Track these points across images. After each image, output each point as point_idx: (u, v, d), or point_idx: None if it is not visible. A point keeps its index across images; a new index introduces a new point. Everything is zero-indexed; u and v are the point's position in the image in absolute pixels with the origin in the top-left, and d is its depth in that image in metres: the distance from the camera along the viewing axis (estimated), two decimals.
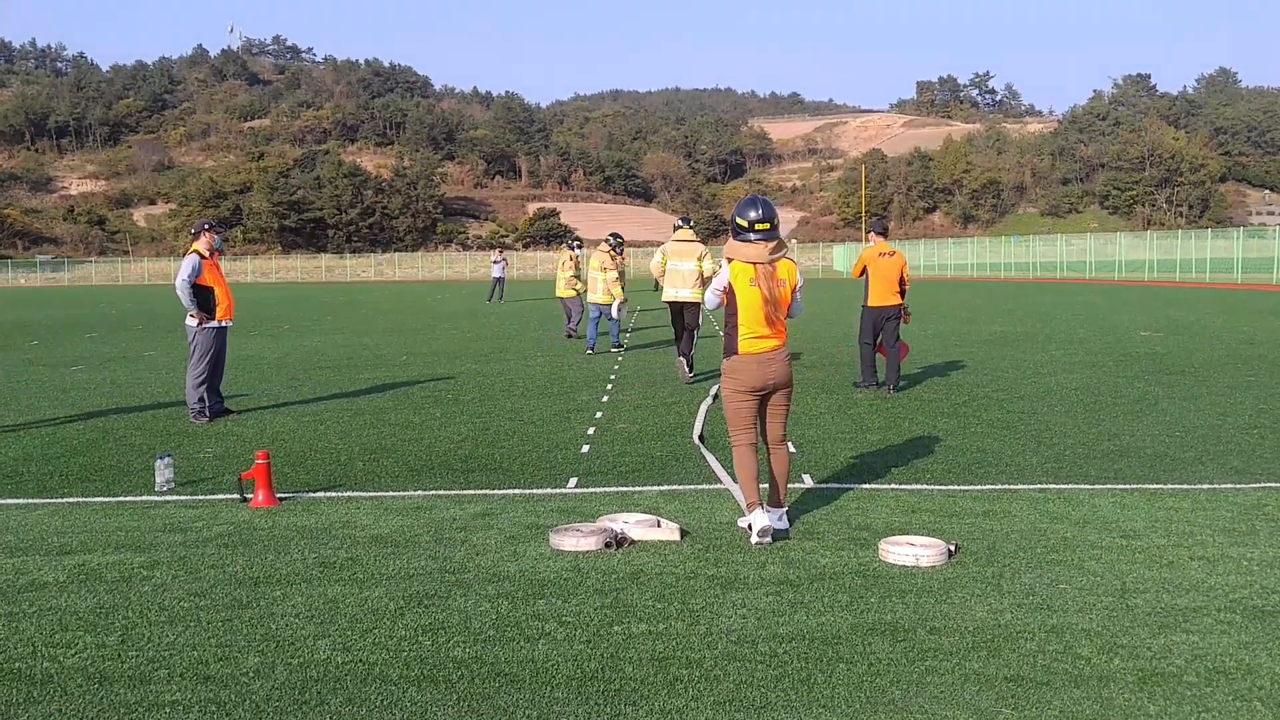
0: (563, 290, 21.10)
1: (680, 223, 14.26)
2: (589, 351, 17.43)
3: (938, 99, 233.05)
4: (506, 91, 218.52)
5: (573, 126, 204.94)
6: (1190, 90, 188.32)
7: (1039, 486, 7.54)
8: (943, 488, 7.54)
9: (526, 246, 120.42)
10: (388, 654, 4.58)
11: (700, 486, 7.64)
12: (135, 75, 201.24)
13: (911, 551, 5.79)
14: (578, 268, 21.42)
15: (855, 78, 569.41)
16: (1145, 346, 17.22)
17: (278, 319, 29.15)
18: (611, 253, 17.48)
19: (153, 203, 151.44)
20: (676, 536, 6.24)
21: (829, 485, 7.65)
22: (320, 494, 7.63)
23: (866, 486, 7.60)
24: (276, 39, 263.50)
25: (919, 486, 7.58)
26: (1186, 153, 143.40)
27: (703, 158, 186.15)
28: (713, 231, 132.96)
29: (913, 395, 12.05)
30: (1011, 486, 7.56)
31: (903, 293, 12.52)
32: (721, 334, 6.61)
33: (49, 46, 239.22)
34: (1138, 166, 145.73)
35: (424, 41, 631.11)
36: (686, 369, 13.73)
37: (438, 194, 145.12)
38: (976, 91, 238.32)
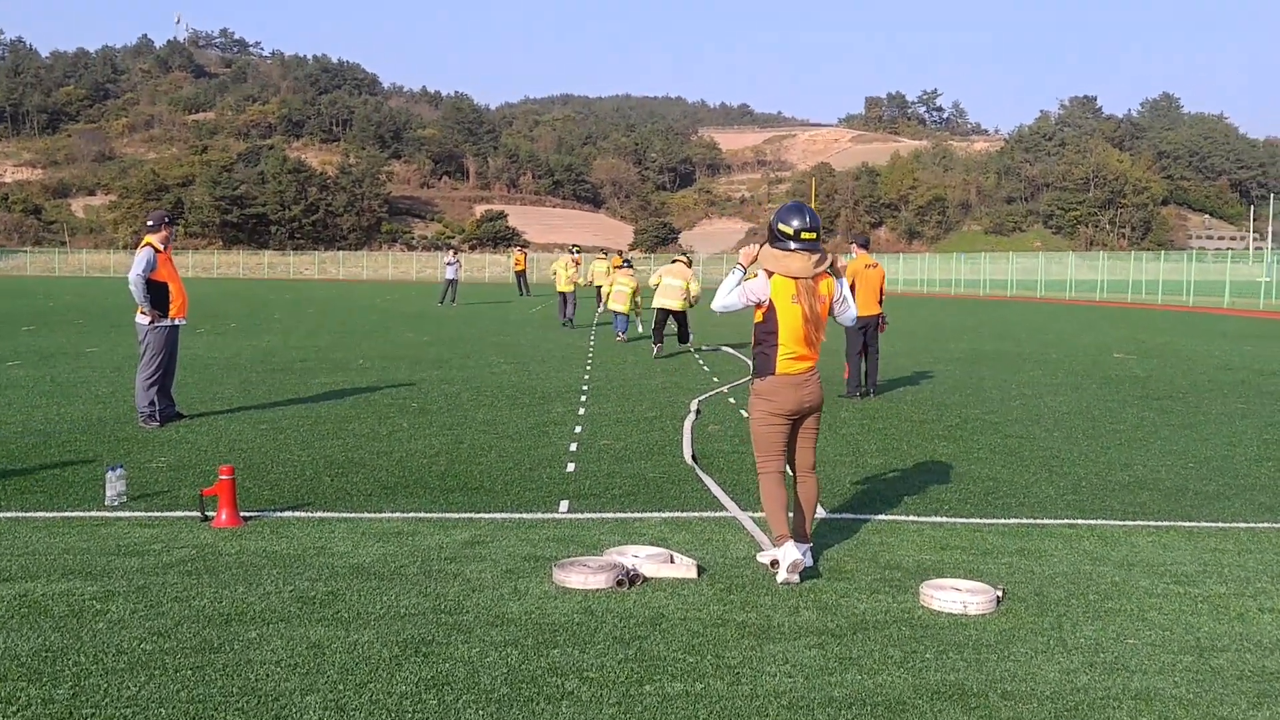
0: (564, 285, 26.32)
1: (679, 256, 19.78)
2: (619, 338, 21.02)
3: (885, 115, 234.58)
4: (455, 91, 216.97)
5: (522, 129, 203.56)
6: (1134, 114, 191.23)
7: (1067, 521, 7.05)
8: (965, 521, 7.03)
9: (474, 248, 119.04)
10: (388, 715, 3.94)
11: (706, 514, 7.05)
12: (76, 63, 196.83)
13: (958, 598, 5.25)
14: (578, 268, 27.40)
15: (804, 91, 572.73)
16: (1122, 369, 16.92)
17: (224, 316, 28.14)
18: (631, 272, 21.66)
19: (92, 193, 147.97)
20: (693, 574, 5.65)
21: (842, 515, 7.10)
22: (288, 513, 6.94)
23: (883, 518, 7.06)
24: (224, 32, 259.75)
25: (939, 519, 7.05)
26: (1130, 175, 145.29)
27: (652, 165, 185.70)
28: (662, 239, 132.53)
29: (902, 415, 11.57)
30: (1038, 521, 7.06)
31: (880, 301, 13.21)
32: (751, 352, 5.99)
33: None
34: (1082, 187, 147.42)
35: (373, 39, 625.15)
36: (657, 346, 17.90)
37: (383, 193, 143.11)
38: (924, 109, 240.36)
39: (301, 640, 4.65)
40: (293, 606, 5.09)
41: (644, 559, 5.71)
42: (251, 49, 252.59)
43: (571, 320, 25.87)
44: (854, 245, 13.70)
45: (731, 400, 12.50)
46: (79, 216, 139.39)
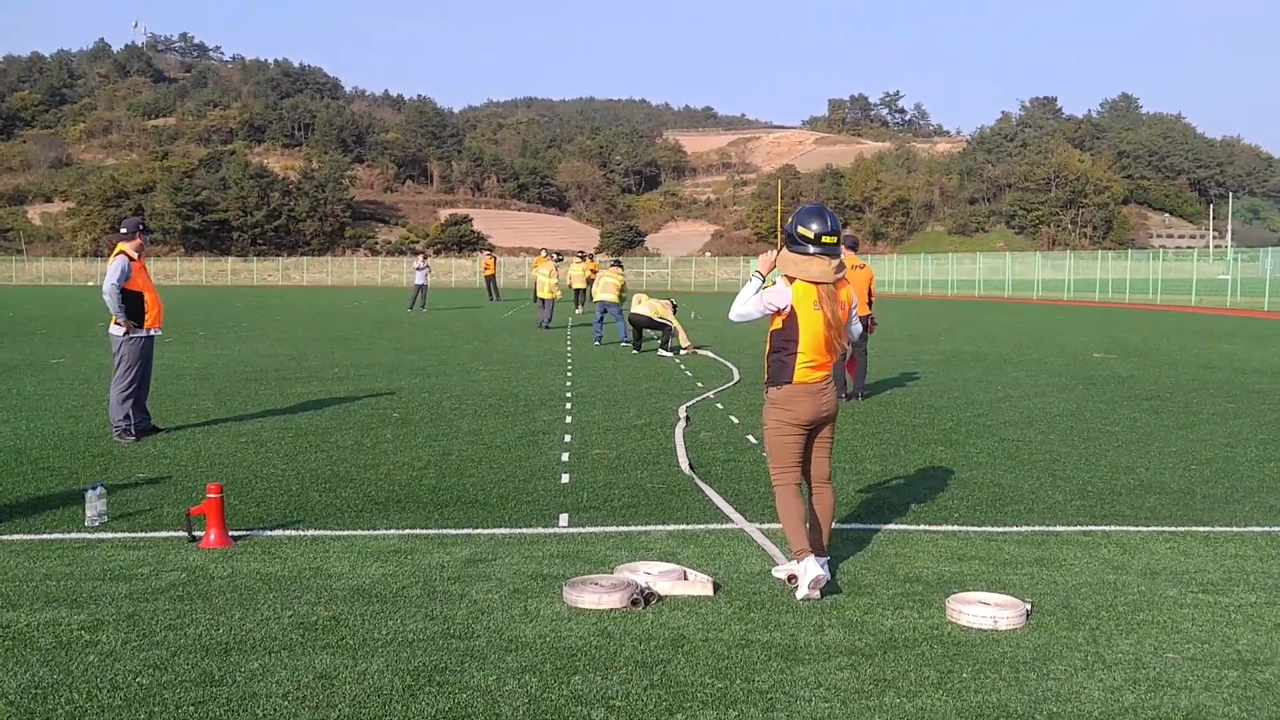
0: (547, 293, 26.76)
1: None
2: (596, 344, 21.22)
3: (849, 117, 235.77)
4: (418, 95, 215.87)
5: (486, 132, 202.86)
6: (1094, 114, 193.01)
7: (1081, 528, 6.89)
8: (978, 529, 6.85)
9: (438, 253, 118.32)
10: None
11: (713, 526, 6.84)
12: (31, 67, 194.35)
13: (988, 613, 5.06)
14: (556, 274, 27.74)
15: (768, 94, 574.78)
16: (1105, 369, 16.86)
17: (191, 325, 27.67)
18: (620, 270, 22.80)
19: (49, 200, 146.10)
20: (709, 591, 5.43)
21: (851, 525, 6.90)
22: (278, 532, 6.67)
23: (894, 527, 6.87)
24: (183, 36, 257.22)
25: (951, 528, 6.88)
26: (1091, 175, 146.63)
27: (618, 168, 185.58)
28: (628, 242, 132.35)
29: (894, 419, 11.41)
30: (1052, 528, 6.90)
31: (870, 303, 13.00)
32: (765, 357, 5.76)
33: None
34: (1044, 187, 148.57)
35: (334, 43, 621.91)
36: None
37: (346, 197, 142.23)
38: (887, 111, 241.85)
39: (307, 670, 4.40)
40: (294, 634, 4.83)
41: (657, 576, 5.49)
42: (211, 53, 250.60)
43: (549, 324, 26.45)
44: (841, 247, 13.49)
45: (719, 406, 12.31)
46: (36, 224, 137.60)
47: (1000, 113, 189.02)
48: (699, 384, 14.43)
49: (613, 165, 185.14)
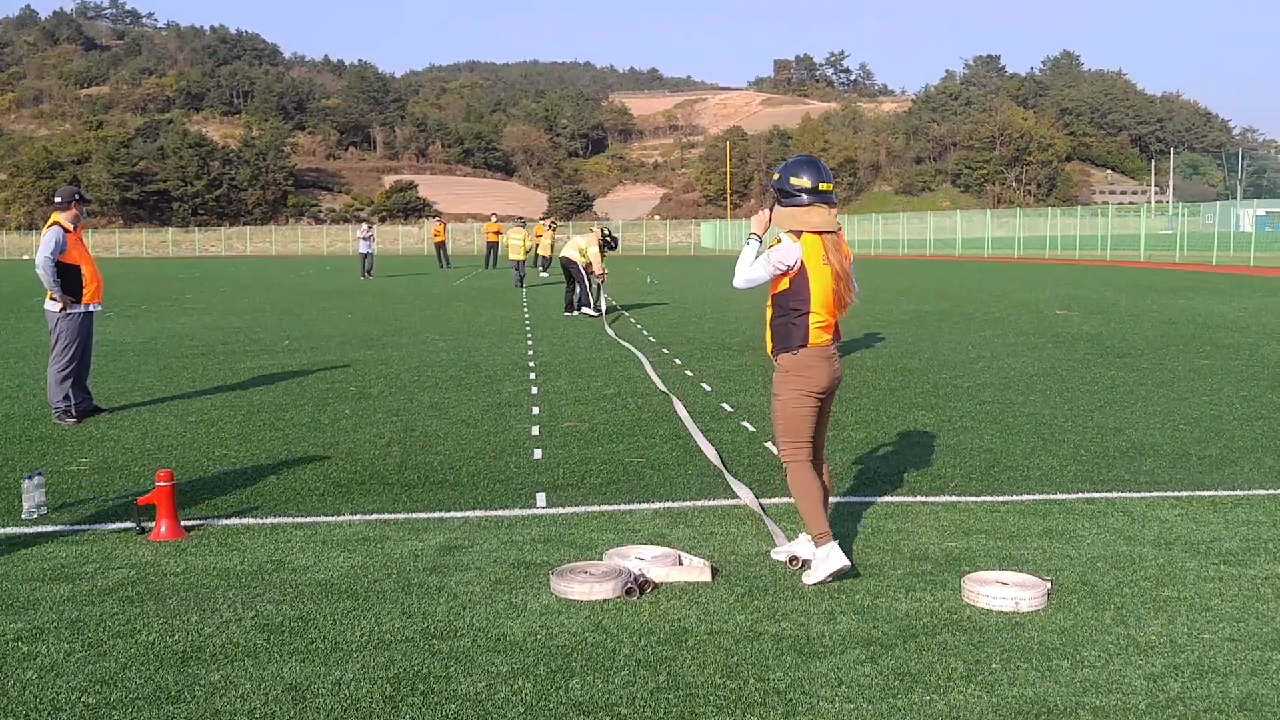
0: (517, 254, 30.50)
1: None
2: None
3: (794, 78, 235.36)
4: (359, 60, 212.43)
5: (429, 97, 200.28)
6: (1037, 72, 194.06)
7: (1083, 496, 6.58)
8: (977, 500, 6.53)
9: (384, 220, 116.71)
10: None
11: (700, 503, 6.45)
12: None
13: (1008, 594, 4.72)
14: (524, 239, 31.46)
15: (714, 55, 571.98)
16: (1071, 327, 16.67)
17: (132, 298, 26.81)
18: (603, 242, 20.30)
19: None
20: (708, 576, 5.05)
21: (847, 499, 6.54)
22: (234, 520, 6.20)
23: (890, 500, 6.53)
24: (114, 2, 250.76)
25: (949, 499, 6.55)
26: (1035, 132, 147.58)
27: (564, 132, 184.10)
28: (576, 207, 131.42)
29: (870, 384, 11.08)
30: (1053, 496, 6.59)
31: None
32: (769, 324, 5.32)
33: None
34: (988, 146, 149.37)
35: (272, 8, 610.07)
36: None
37: (288, 165, 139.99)
38: (832, 71, 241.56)
39: (275, 681, 3.97)
40: (258, 638, 4.39)
41: (650, 562, 5.10)
42: (145, 20, 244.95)
43: (523, 282, 29.52)
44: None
45: (689, 373, 11.92)
46: None
47: (945, 71, 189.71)
48: (664, 349, 14.04)
49: (559, 129, 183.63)
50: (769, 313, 5.30)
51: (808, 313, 5.13)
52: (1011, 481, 6.98)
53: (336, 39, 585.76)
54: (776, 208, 5.30)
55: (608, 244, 20.22)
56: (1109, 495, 6.61)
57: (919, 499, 6.53)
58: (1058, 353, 13.46)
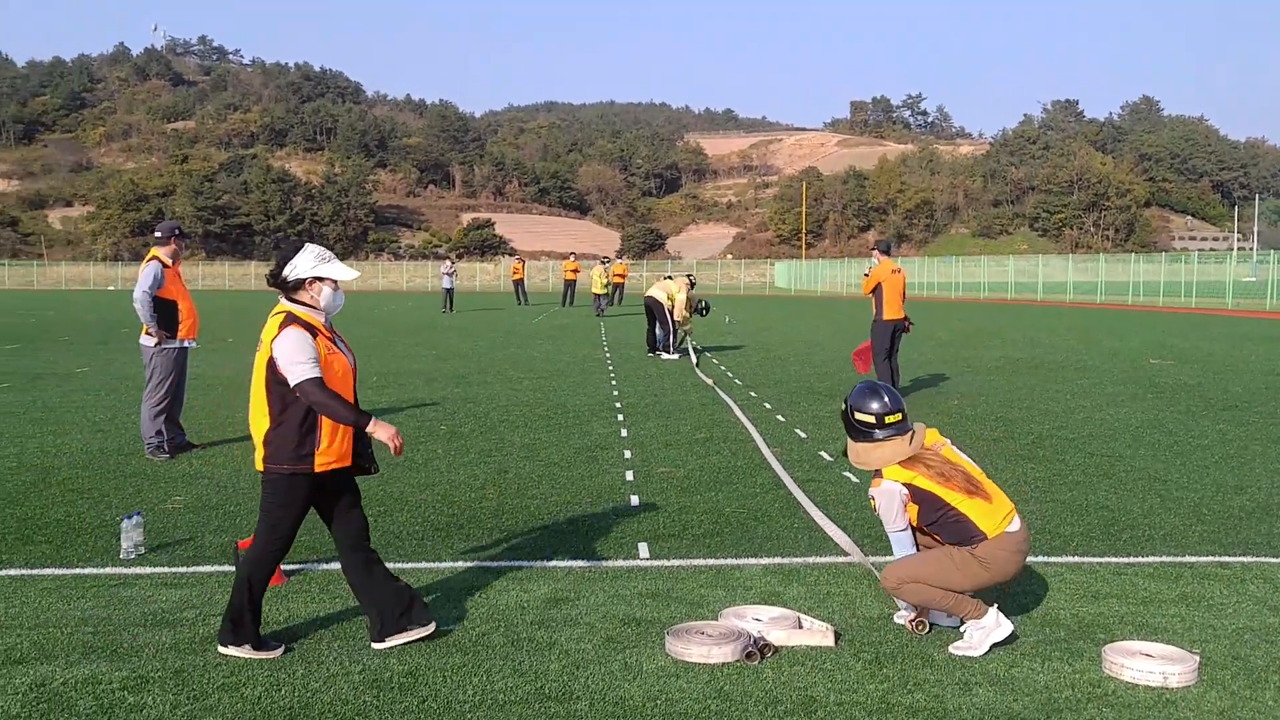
0: (596, 289, 37.11)
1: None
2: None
3: (871, 119, 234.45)
4: (440, 99, 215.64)
5: (507, 137, 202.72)
6: (1115, 117, 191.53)
7: (1215, 560, 6.23)
8: (1101, 560, 6.20)
9: (460, 257, 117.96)
10: None
11: (812, 559, 6.20)
12: (52, 72, 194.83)
13: (1155, 668, 4.42)
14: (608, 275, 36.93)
15: (789, 96, 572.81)
16: (1168, 376, 16.14)
17: (219, 331, 27.16)
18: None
19: (69, 204, 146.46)
20: (831, 641, 4.80)
21: None
22: (334, 565, 6.05)
23: None
24: (202, 39, 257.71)
25: (1072, 559, 6.23)
26: (1113, 178, 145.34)
27: (638, 171, 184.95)
28: (649, 245, 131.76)
29: (971, 433, 10.74)
30: (1179, 559, 6.25)
31: (902, 304, 13.46)
32: (932, 538, 5.04)
33: None
34: (1066, 190, 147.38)
35: (355, 47, 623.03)
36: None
37: (369, 202, 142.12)
38: (909, 113, 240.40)
39: None
40: (367, 695, 4.23)
41: (769, 624, 4.87)
42: (231, 56, 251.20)
43: (600, 310, 35.83)
44: (876, 251, 13.92)
45: (780, 418, 11.66)
46: (56, 228, 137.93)
47: (1022, 115, 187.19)
48: (752, 393, 13.79)
49: (633, 168, 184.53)
50: (920, 537, 5.05)
51: (959, 512, 4.85)
52: (1134, 541, 6.64)
53: (418, 79, 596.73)
54: (850, 442, 5.11)
55: (699, 311, 20.08)
56: (1243, 559, 6.25)
57: (1040, 558, 6.22)
58: (1159, 404, 13.00)
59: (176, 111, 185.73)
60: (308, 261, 4.69)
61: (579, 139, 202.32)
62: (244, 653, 4.58)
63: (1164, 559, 6.26)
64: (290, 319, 4.61)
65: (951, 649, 4.74)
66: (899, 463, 4.91)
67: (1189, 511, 7.45)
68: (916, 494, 4.87)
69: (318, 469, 4.67)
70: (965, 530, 4.82)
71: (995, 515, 4.86)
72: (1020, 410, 12.38)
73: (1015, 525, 4.91)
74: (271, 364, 4.60)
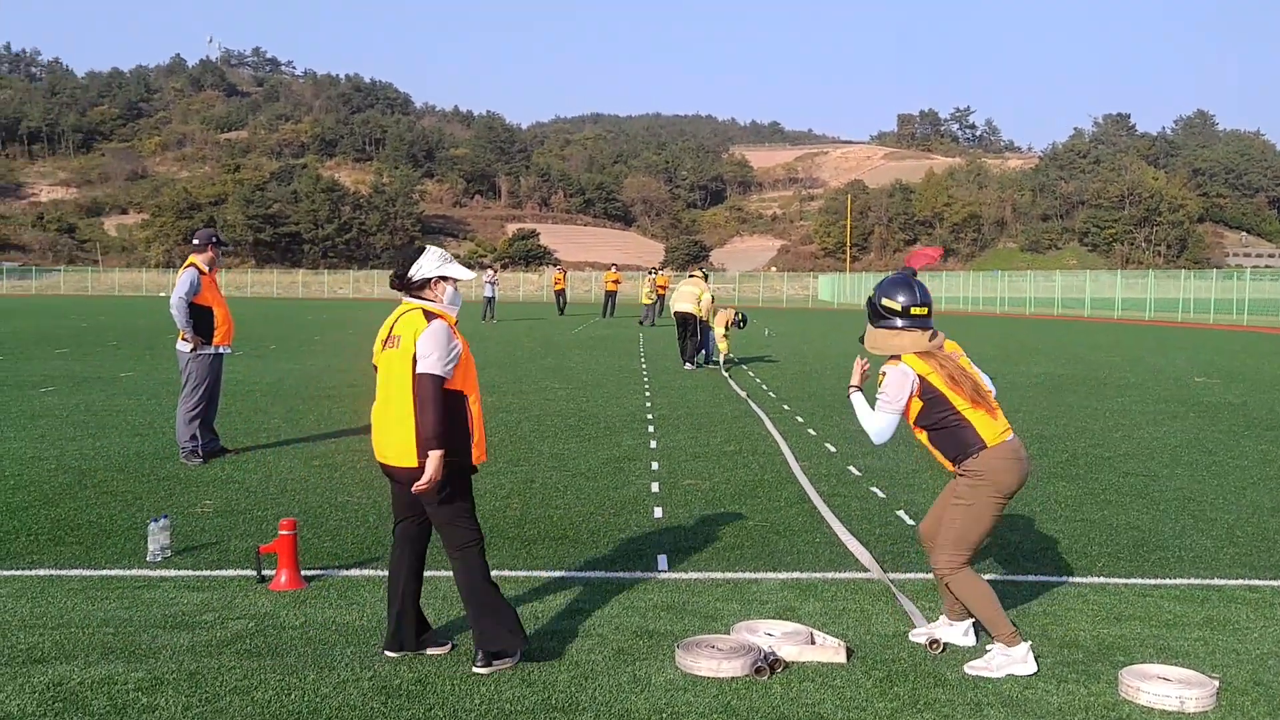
0: (645, 299, 37.19)
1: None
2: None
3: (918, 132, 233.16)
4: (487, 111, 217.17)
5: (553, 148, 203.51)
6: (1169, 131, 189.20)
7: (1245, 583, 6.13)
8: (1127, 582, 6.12)
9: (505, 267, 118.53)
10: None
11: (830, 575, 6.17)
12: (111, 83, 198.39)
13: (1171, 691, 4.35)
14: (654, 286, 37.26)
15: (835, 108, 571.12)
16: (1213, 395, 15.91)
17: (262, 338, 27.48)
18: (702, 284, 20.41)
19: (124, 212, 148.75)
20: (842, 657, 4.77)
21: (987, 576, 6.17)
22: (354, 571, 6.12)
23: (1034, 579, 6.16)
24: (256, 51, 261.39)
25: (1097, 579, 6.15)
26: (1166, 193, 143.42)
27: (683, 183, 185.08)
28: (693, 257, 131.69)
29: None
30: (1208, 581, 6.15)
31: None
32: (930, 445, 5.00)
33: (24, 51, 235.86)
34: (1117, 205, 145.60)
35: (405, 59, 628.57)
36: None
37: (416, 211, 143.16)
38: (957, 126, 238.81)
39: None
40: (375, 700, 4.25)
41: (781, 638, 4.85)
42: (284, 68, 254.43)
43: (651, 322, 35.55)
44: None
45: (811, 431, 11.61)
46: (111, 235, 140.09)
47: (1073, 129, 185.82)
48: (785, 405, 13.75)
49: (678, 180, 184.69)
50: (923, 437, 4.99)
51: (962, 417, 4.82)
52: (1163, 563, 6.55)
53: (467, 90, 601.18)
54: (869, 327, 5.06)
55: (738, 324, 19.79)
56: (1273, 583, 6.15)
57: (1064, 579, 6.15)
58: (1201, 423, 12.81)
59: (230, 122, 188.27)
60: (433, 262, 4.81)
61: (624, 151, 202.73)
62: (506, 665, 4.64)
63: (1192, 581, 6.17)
64: (431, 314, 4.72)
65: (967, 667, 4.70)
66: (916, 353, 4.87)
67: (1222, 533, 7.34)
68: (926, 390, 4.84)
69: (475, 461, 4.79)
70: (964, 437, 4.81)
71: (995, 427, 4.84)
72: (1057, 427, 12.25)
73: (1011, 438, 4.89)
74: (415, 359, 4.65)
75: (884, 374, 4.94)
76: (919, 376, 4.84)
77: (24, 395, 14.01)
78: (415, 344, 4.63)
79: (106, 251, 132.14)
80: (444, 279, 4.86)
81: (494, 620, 4.61)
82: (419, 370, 4.59)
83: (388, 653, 4.77)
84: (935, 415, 4.85)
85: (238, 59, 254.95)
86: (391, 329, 4.75)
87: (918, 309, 4.94)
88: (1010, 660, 4.66)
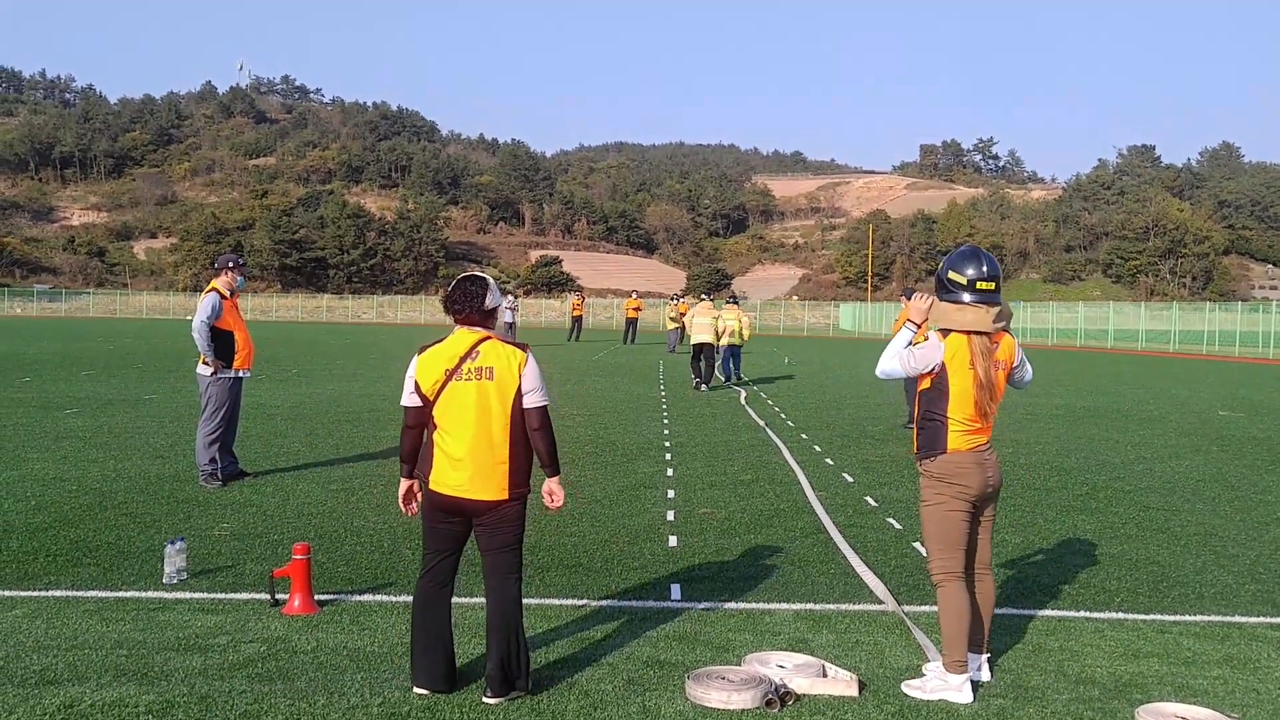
0: (669, 325, 35.37)
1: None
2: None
3: (940, 163, 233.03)
4: (512, 139, 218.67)
5: (577, 176, 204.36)
6: (1194, 163, 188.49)
7: (1266, 621, 6.07)
8: (1146, 618, 6.06)
9: (528, 293, 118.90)
10: None
11: (845, 607, 6.13)
12: (143, 109, 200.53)
13: None
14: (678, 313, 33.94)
15: (858, 138, 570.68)
16: (1236, 429, 15.77)
17: (284, 361, 27.62)
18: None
19: (154, 236, 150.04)
20: (854, 691, 4.74)
21: (1003, 610, 6.12)
22: (368, 596, 6.12)
23: (1050, 614, 6.10)
24: (285, 78, 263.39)
25: (1115, 615, 6.10)
26: (1191, 224, 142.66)
27: (706, 212, 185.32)
28: (715, 285, 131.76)
29: (1023, 483, 10.57)
30: (1228, 618, 6.08)
31: None
32: (909, 426, 5.08)
33: (58, 78, 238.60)
34: (1142, 236, 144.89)
35: (431, 87, 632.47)
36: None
37: (440, 238, 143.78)
38: (980, 156, 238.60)
39: None
40: None
41: (792, 671, 4.82)
42: (312, 95, 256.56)
43: (672, 348, 34.50)
44: (903, 298, 14.30)
45: (829, 461, 11.57)
46: (140, 259, 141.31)
47: (1097, 160, 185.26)
48: (803, 434, 13.71)
49: (701, 209, 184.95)
50: (916, 410, 5.03)
51: (946, 418, 4.84)
52: (1183, 599, 6.48)
53: (492, 119, 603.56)
54: (933, 299, 5.04)
55: (733, 300, 21.55)
56: None
57: (1082, 614, 6.09)
58: (1224, 457, 12.70)
59: (258, 148, 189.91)
60: (496, 292, 4.93)
61: (648, 179, 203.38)
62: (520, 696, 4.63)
63: (1212, 618, 6.11)
64: (523, 346, 4.88)
65: (904, 685, 4.74)
66: (967, 342, 4.84)
67: (1243, 569, 7.26)
68: (938, 379, 4.85)
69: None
70: (937, 437, 4.85)
71: (970, 442, 4.87)
72: (1077, 459, 12.17)
73: (980, 447, 4.91)
74: (519, 393, 4.71)
75: (926, 336, 4.97)
76: (943, 364, 4.84)
77: (49, 416, 14.11)
78: (520, 378, 4.69)
79: (135, 275, 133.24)
80: (498, 308, 5.00)
81: (527, 650, 4.63)
82: (536, 404, 4.77)
83: (492, 698, 4.56)
84: (928, 403, 4.91)
85: (267, 86, 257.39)
86: (466, 359, 4.72)
87: (984, 283, 4.91)
88: (945, 686, 4.69)
